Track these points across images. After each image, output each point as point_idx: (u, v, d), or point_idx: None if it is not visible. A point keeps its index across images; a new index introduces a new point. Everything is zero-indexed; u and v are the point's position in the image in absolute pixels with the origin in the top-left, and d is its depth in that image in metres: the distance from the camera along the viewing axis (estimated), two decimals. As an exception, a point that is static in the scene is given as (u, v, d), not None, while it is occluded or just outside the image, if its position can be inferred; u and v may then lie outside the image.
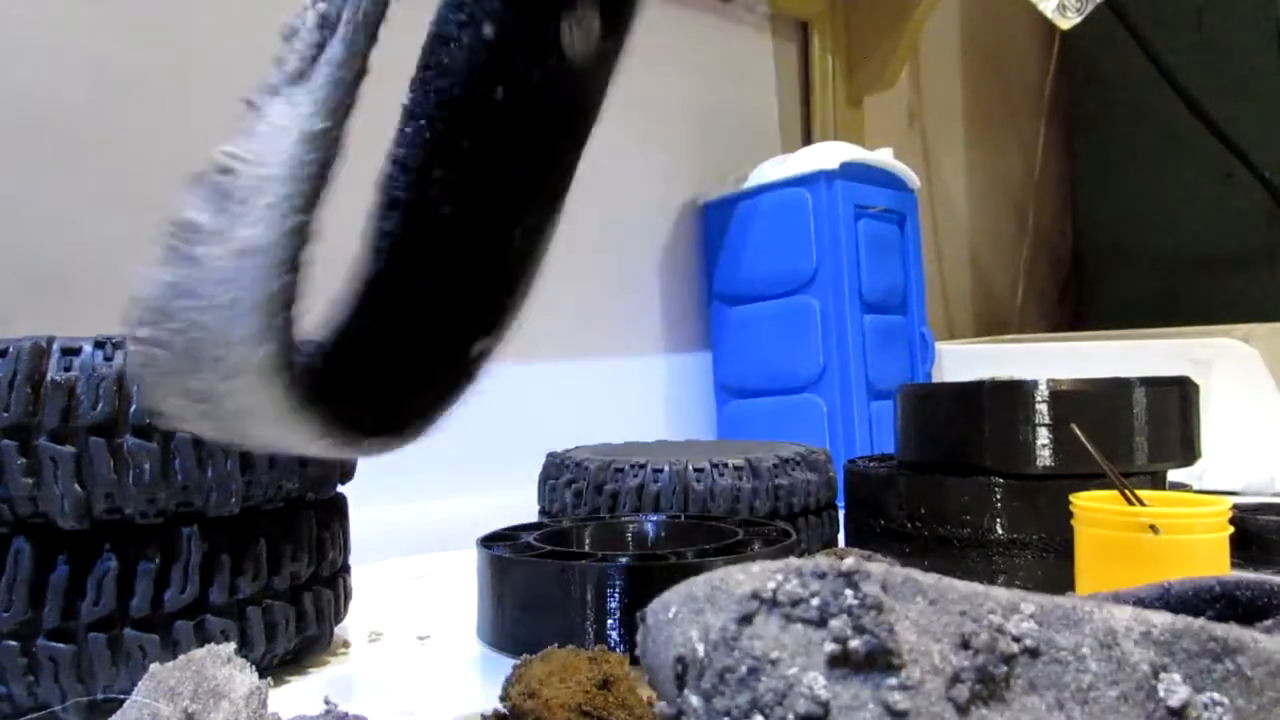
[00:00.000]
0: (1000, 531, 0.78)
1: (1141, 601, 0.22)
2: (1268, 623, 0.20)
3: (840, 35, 1.75)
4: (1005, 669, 0.15)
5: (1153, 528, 0.59)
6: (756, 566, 0.17)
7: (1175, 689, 0.15)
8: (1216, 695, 0.15)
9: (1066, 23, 1.51)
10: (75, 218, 0.94)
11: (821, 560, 0.17)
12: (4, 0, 0.90)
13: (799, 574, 0.16)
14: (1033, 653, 0.15)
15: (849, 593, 0.16)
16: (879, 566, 0.16)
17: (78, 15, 0.94)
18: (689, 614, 0.17)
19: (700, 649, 0.16)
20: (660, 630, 0.17)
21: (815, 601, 0.16)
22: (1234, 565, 0.66)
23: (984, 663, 0.15)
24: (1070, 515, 0.65)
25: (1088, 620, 0.15)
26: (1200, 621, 0.16)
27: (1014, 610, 0.15)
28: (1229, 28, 2.03)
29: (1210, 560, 0.59)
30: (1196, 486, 0.96)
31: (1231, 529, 0.61)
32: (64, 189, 0.93)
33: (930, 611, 0.15)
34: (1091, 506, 0.64)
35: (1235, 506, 0.64)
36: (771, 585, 0.16)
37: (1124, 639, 0.15)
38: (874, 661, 0.15)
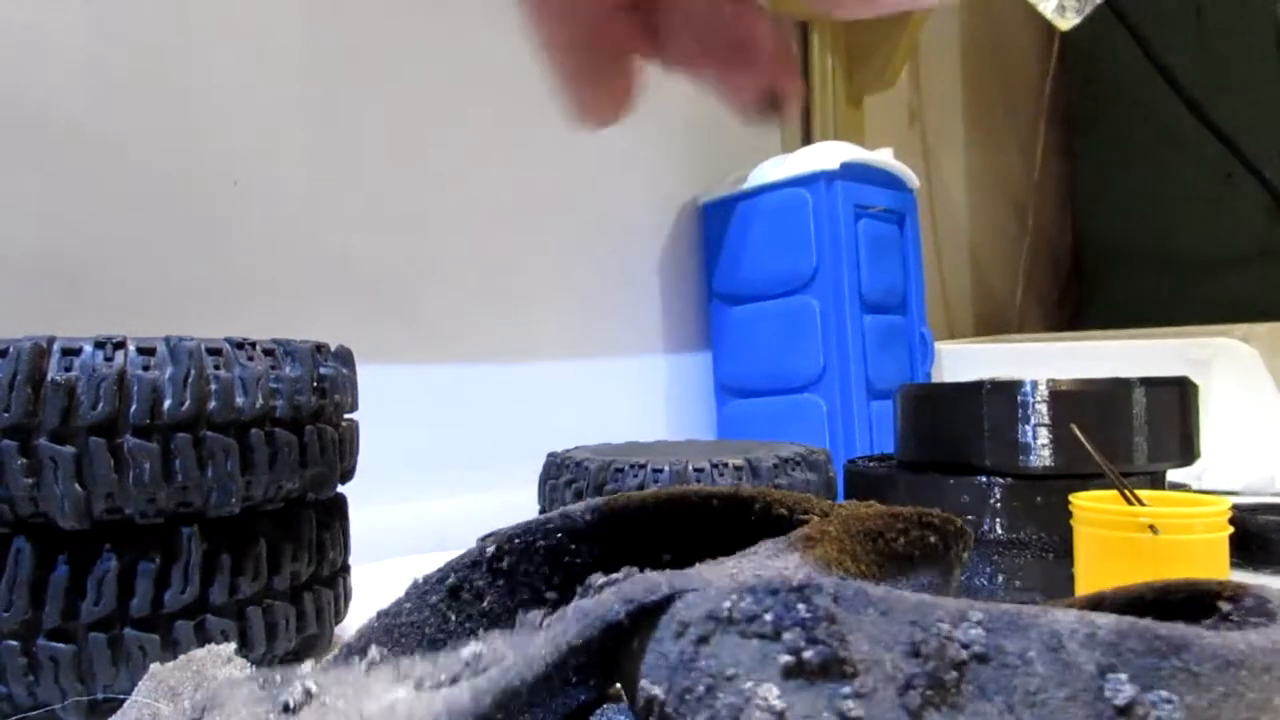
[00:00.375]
0: (1000, 531, 0.78)
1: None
2: (1209, 621, 0.21)
3: (840, 35, 1.75)
4: (955, 675, 0.15)
5: (1152, 528, 0.59)
6: (713, 589, 0.18)
7: (1121, 688, 0.16)
8: (1165, 693, 0.16)
9: (1066, 23, 1.51)
10: (75, 218, 0.94)
11: (774, 577, 0.17)
12: (3, 1, 0.90)
13: (753, 592, 0.17)
14: (981, 659, 0.15)
15: (801, 606, 0.16)
16: (830, 580, 0.17)
17: (76, 15, 0.94)
18: (650, 642, 0.17)
19: (662, 674, 0.16)
20: (626, 660, 0.17)
21: (769, 617, 0.16)
22: (1233, 565, 0.66)
23: (934, 669, 0.15)
24: (1070, 515, 0.65)
25: (1034, 625, 0.16)
26: (1146, 621, 0.17)
27: (962, 618, 0.16)
28: (1229, 28, 2.03)
29: (1210, 560, 0.59)
30: (1196, 486, 0.96)
31: (1231, 529, 0.61)
32: (64, 189, 0.93)
33: (881, 622, 0.15)
34: (1091, 506, 0.64)
35: (1235, 506, 0.64)
36: (727, 605, 0.17)
37: (1069, 641, 0.16)
38: (827, 671, 0.15)
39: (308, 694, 0.17)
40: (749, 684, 0.15)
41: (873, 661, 0.15)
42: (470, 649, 0.18)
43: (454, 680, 0.17)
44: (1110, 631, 0.16)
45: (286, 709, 0.17)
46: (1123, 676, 0.16)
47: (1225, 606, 0.20)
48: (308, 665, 0.18)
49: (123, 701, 0.33)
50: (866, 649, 0.15)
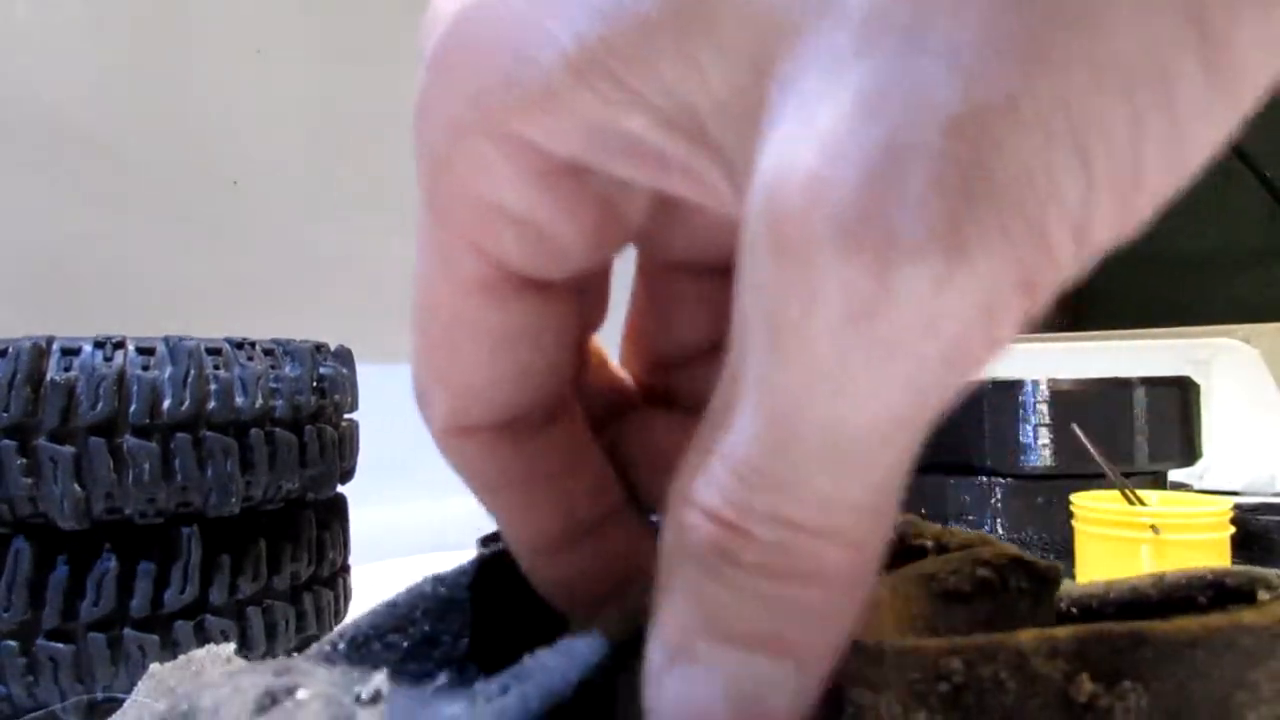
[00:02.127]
0: (1000, 531, 0.78)
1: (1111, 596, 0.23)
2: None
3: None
4: (943, 702, 0.17)
5: (1153, 528, 0.59)
6: None
7: (1085, 686, 0.17)
8: (1128, 683, 0.17)
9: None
10: (75, 218, 0.94)
11: None
12: (3, 1, 0.90)
13: None
14: (961, 688, 0.17)
15: None
16: None
17: (77, 15, 0.94)
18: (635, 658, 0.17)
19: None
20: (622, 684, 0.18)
21: None
22: (1234, 565, 0.66)
23: (928, 703, 0.17)
24: (1070, 515, 0.65)
25: (1000, 649, 0.17)
26: (1100, 624, 0.18)
27: (942, 653, 0.17)
28: (1229, 28, 2.03)
29: (1210, 560, 0.59)
30: (1196, 486, 0.96)
31: (1232, 529, 0.61)
32: (65, 189, 0.93)
33: (881, 663, 0.17)
34: (1091, 506, 0.64)
35: (1235, 506, 0.64)
36: None
37: (1032, 657, 0.17)
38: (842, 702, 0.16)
39: (378, 693, 0.18)
40: None
41: (882, 687, 0.16)
42: (520, 665, 0.19)
43: (504, 691, 0.18)
44: (1070, 640, 0.17)
45: (358, 700, 0.18)
46: (1085, 676, 0.17)
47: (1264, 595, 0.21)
48: (382, 674, 0.19)
49: (122, 701, 0.33)
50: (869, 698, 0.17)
